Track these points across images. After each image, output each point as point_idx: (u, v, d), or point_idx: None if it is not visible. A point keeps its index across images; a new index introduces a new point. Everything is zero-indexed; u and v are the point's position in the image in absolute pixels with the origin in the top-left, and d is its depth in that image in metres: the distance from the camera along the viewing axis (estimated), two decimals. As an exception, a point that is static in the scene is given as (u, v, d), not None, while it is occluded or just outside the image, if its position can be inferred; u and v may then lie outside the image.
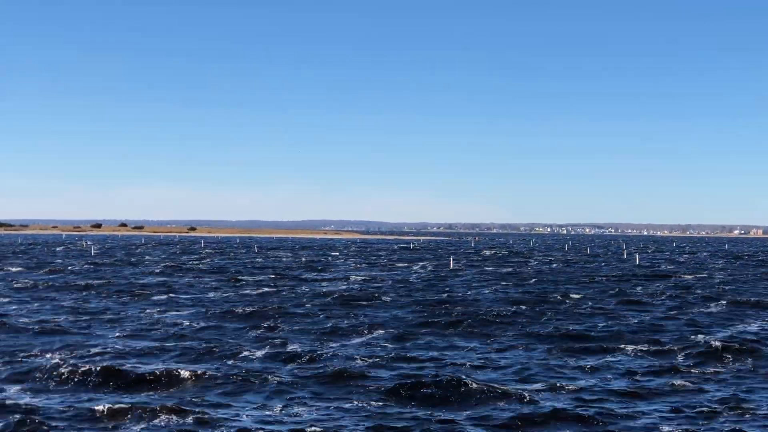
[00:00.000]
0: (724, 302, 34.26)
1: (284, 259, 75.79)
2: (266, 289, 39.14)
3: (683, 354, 20.73)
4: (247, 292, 38.00)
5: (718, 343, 21.38)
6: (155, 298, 34.84)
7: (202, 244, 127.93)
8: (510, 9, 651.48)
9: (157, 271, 54.15)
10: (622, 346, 21.94)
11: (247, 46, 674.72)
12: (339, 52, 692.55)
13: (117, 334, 23.76)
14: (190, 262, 66.88)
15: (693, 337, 23.74)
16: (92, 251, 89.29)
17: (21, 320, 26.41)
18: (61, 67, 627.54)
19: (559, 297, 36.17)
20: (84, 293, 36.43)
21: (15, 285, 40.57)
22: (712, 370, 18.78)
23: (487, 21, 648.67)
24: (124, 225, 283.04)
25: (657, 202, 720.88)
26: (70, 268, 56.07)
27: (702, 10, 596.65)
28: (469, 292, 38.78)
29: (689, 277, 53.59)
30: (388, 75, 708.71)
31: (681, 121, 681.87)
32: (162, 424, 13.75)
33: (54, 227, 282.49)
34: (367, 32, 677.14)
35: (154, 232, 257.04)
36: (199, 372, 17.34)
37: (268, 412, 14.58)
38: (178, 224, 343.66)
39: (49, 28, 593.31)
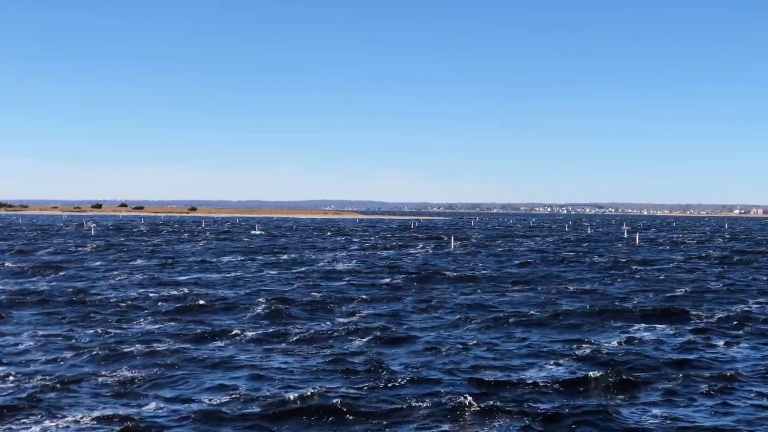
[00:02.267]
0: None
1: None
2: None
3: None
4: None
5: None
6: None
7: (202, 225, 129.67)
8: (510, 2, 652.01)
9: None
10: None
11: (248, 26, 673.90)
12: (340, 35, 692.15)
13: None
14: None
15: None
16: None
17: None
18: (60, 47, 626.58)
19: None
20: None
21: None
22: None
23: (488, 10, 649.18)
24: (124, 205, 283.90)
25: (657, 182, 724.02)
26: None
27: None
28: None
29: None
30: (390, 57, 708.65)
31: (681, 101, 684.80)
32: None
33: (54, 207, 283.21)
34: (371, 17, 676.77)
35: (155, 212, 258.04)
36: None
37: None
38: (179, 204, 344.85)
39: (50, 12, 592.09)
